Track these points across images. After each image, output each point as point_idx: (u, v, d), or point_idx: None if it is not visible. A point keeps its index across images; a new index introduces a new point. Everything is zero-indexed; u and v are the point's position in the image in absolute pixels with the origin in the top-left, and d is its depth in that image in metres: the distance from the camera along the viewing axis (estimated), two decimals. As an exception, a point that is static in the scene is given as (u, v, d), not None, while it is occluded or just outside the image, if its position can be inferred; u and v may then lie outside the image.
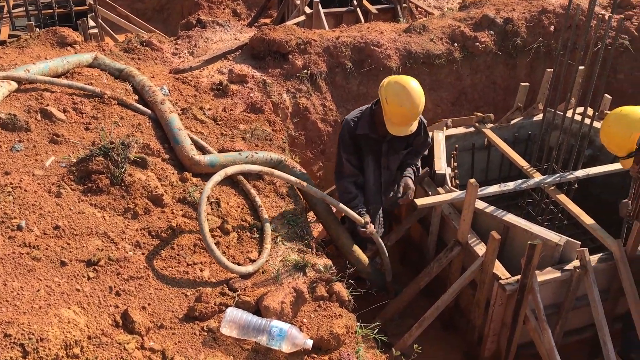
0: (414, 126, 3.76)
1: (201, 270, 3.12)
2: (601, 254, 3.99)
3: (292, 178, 3.63)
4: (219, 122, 4.44)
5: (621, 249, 3.88)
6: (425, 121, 4.02)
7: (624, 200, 4.03)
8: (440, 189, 4.39)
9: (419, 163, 4.28)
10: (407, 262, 5.25)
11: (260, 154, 4.00)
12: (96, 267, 2.84)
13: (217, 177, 3.28)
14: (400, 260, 5.30)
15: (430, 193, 4.38)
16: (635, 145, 3.51)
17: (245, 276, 3.15)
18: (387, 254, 4.19)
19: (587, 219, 4.15)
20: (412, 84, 3.65)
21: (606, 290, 4.10)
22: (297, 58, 5.32)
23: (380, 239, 4.08)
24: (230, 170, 3.39)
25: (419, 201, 4.18)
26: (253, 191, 3.70)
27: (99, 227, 3.10)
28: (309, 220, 3.95)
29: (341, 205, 3.73)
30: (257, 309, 2.90)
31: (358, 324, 3.15)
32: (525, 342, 4.20)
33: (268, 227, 3.46)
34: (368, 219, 3.87)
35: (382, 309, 4.34)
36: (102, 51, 4.77)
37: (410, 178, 4.09)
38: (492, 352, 4.26)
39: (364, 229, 3.84)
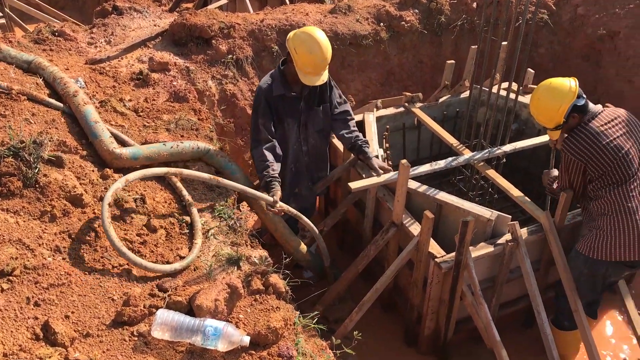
0: (325, 76, 3.84)
1: (128, 272, 2.99)
2: (531, 226, 4.05)
3: (204, 175, 3.50)
4: (141, 114, 4.25)
5: (550, 220, 3.94)
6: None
7: (546, 170, 4.13)
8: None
9: (361, 135, 4.32)
10: (345, 246, 5.27)
11: (186, 143, 3.85)
12: (10, 277, 2.66)
13: (118, 184, 3.13)
14: (338, 244, 5.32)
15: (364, 176, 4.36)
16: (563, 117, 3.53)
17: (173, 274, 3.03)
18: (322, 238, 4.20)
19: (515, 192, 4.19)
20: (317, 33, 3.76)
21: (538, 260, 4.19)
22: (221, 43, 5.17)
23: (312, 225, 4.06)
24: (131, 176, 3.23)
25: (353, 184, 4.15)
26: (180, 184, 3.58)
27: (12, 233, 2.90)
28: (242, 210, 3.85)
29: (249, 190, 3.64)
30: (190, 309, 2.80)
31: (297, 314, 3.09)
32: (463, 318, 4.28)
33: (198, 222, 3.35)
34: (278, 196, 3.76)
35: (322, 296, 4.35)
36: (9, 43, 4.43)
37: (374, 158, 4.20)
38: (432, 329, 4.32)
39: (272, 209, 3.77)
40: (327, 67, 3.83)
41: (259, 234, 3.82)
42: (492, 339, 3.91)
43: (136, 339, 2.67)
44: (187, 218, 3.41)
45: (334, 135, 4.49)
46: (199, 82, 5.03)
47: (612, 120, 3.53)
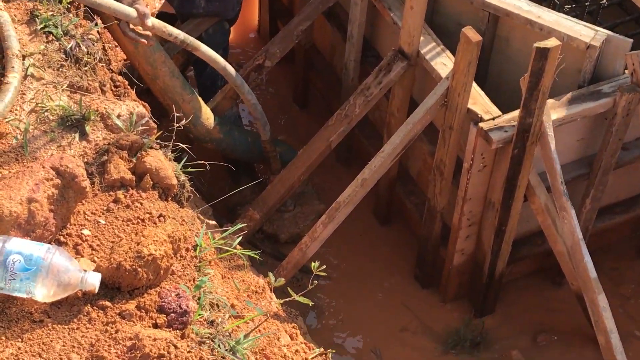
0: None
1: None
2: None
3: None
4: None
5: None
6: None
7: None
8: None
9: None
10: (310, 102, 5.54)
11: None
12: None
13: None
14: (296, 99, 5.65)
15: None
16: None
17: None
18: (248, 88, 4.39)
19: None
20: None
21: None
22: None
23: (221, 60, 4.22)
24: None
25: None
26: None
27: None
28: (94, 23, 3.86)
29: None
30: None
31: (203, 227, 3.20)
32: (526, 235, 4.38)
33: (12, 36, 3.36)
34: (145, 9, 3.84)
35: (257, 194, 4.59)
36: None
37: None
38: (468, 256, 4.42)
39: (133, 33, 3.89)
40: None
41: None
42: (583, 273, 3.99)
43: None
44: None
45: None
46: None
47: None
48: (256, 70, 4.56)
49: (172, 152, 3.33)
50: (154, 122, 3.48)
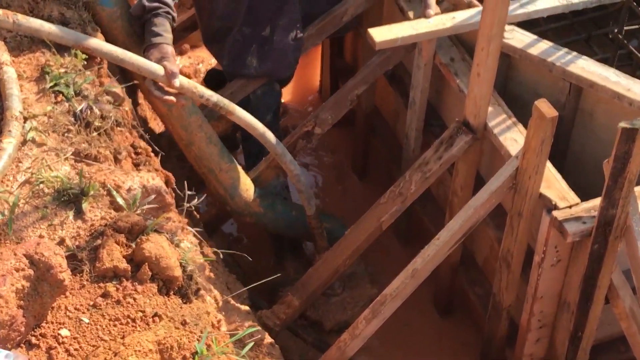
0: None
1: None
2: None
3: None
4: None
5: None
6: None
7: None
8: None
9: None
10: (366, 166, 5.50)
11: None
12: None
13: None
14: (352, 164, 5.57)
15: (409, 14, 4.37)
16: None
17: None
18: (293, 160, 4.25)
19: None
20: None
21: None
22: None
23: (265, 130, 4.10)
24: None
25: (379, 33, 4.14)
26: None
27: None
28: (114, 82, 3.83)
29: (108, 48, 3.63)
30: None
31: (205, 332, 2.86)
32: (607, 341, 4.22)
33: (14, 95, 3.29)
34: (174, 67, 3.75)
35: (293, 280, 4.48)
36: None
37: None
38: None
39: (160, 92, 3.80)
40: None
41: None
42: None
43: None
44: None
45: None
46: None
47: None
48: (304, 138, 4.42)
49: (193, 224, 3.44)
50: (172, 196, 3.46)
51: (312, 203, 4.36)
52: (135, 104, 4.59)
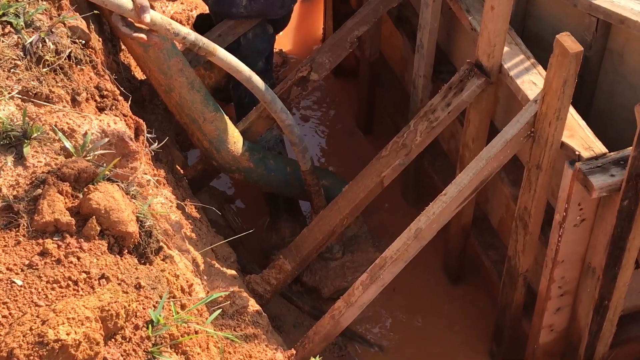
0: None
1: None
2: None
3: None
4: None
5: None
6: None
7: None
8: None
9: None
10: (371, 121, 5.45)
11: None
12: None
13: None
14: (356, 118, 5.53)
15: None
16: None
17: None
18: (282, 106, 4.07)
19: None
20: None
21: None
22: None
23: (249, 73, 3.92)
24: None
25: None
26: None
27: None
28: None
29: None
30: None
31: (165, 296, 2.67)
32: (636, 311, 4.14)
33: None
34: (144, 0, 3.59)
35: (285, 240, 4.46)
36: None
37: None
38: (559, 333, 4.16)
39: (128, 29, 3.53)
40: None
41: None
42: None
43: None
44: None
45: None
46: None
47: None
48: (299, 84, 4.21)
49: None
50: (142, 145, 3.36)
51: (307, 157, 4.23)
52: (120, 49, 4.45)
